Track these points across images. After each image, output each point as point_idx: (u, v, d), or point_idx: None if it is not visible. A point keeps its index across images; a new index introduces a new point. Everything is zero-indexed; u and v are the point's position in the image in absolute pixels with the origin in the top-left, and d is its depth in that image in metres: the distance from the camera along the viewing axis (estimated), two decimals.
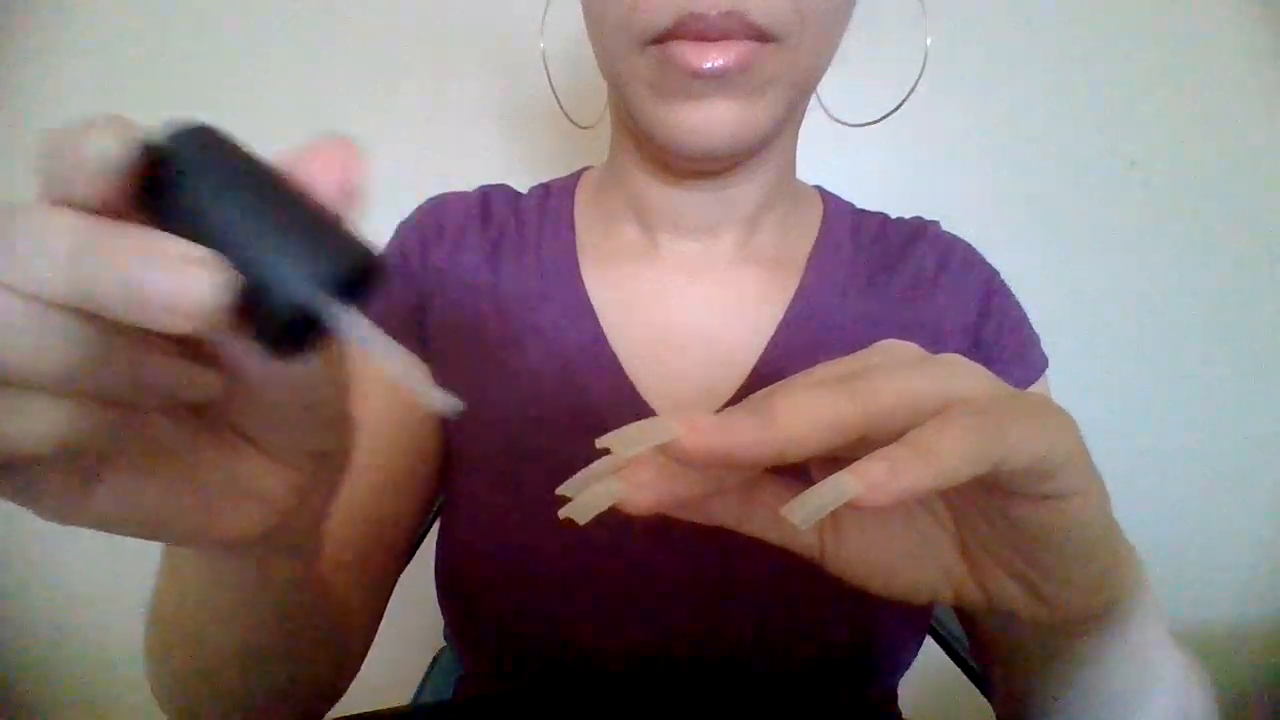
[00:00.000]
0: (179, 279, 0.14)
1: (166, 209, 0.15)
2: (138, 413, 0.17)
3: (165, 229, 0.15)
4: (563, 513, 0.19)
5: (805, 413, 0.17)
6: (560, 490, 0.19)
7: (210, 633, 0.28)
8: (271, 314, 0.15)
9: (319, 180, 0.16)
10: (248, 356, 0.18)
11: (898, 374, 0.18)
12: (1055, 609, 0.22)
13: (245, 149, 0.16)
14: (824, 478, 0.23)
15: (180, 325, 0.14)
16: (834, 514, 0.23)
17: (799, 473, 0.23)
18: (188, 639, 0.29)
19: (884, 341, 0.21)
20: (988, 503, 0.21)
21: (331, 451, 0.22)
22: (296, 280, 0.15)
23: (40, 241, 0.14)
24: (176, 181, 0.15)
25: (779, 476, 0.23)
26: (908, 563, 0.23)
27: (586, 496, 0.18)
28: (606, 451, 0.18)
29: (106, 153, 0.14)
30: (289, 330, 0.15)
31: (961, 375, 0.19)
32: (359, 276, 0.16)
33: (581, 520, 0.18)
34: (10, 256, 0.14)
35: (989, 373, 0.20)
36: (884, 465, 0.16)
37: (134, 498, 0.18)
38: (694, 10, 0.32)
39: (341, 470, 0.23)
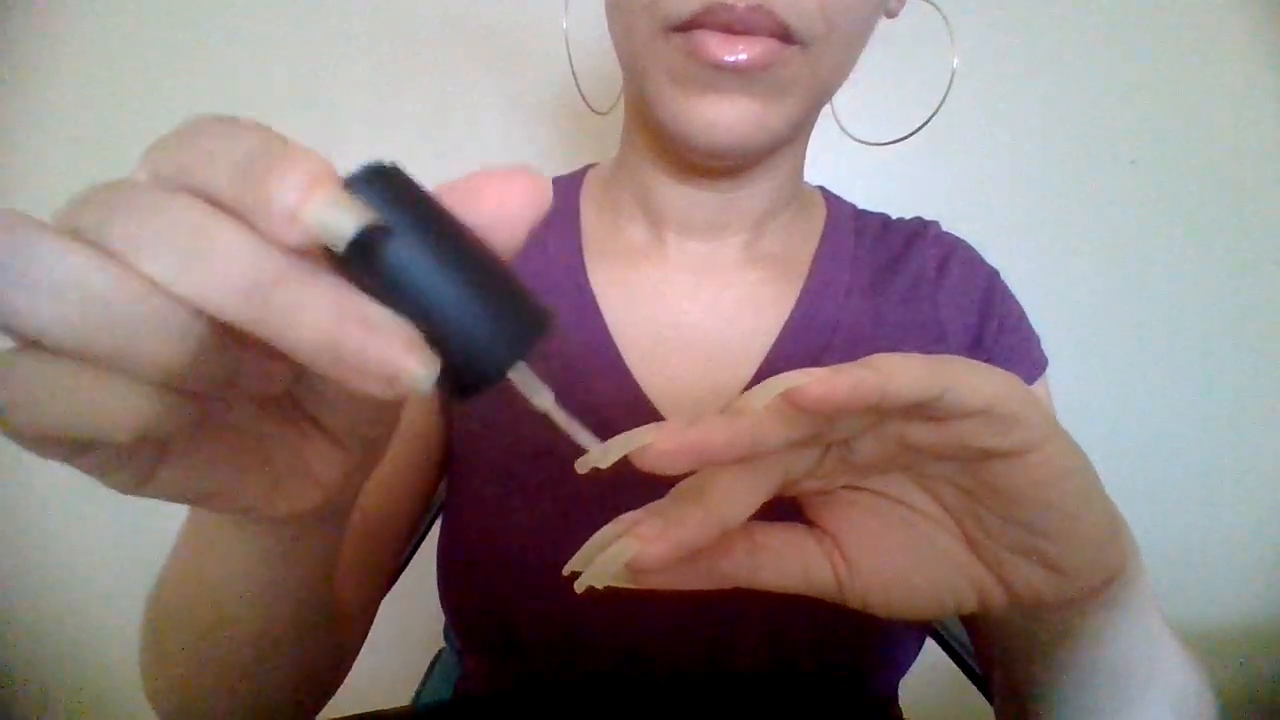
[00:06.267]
0: (390, 355, 0.14)
1: (358, 263, 0.14)
2: (220, 402, 0.17)
3: (348, 276, 0.14)
4: (580, 583, 0.19)
5: (762, 397, 0.18)
6: (569, 568, 0.20)
7: (229, 616, 0.28)
8: (464, 383, 0.15)
9: (493, 217, 0.15)
10: None
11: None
12: (1072, 576, 0.22)
13: (428, 194, 0.15)
14: (821, 515, 0.24)
15: (383, 394, 0.14)
16: (841, 545, 0.23)
17: (795, 516, 0.24)
18: (202, 626, 0.29)
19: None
20: (974, 480, 0.21)
21: (378, 436, 0.23)
22: (494, 357, 0.15)
23: (220, 255, 0.14)
24: (374, 242, 0.14)
25: (779, 522, 0.24)
26: (925, 578, 0.23)
27: (600, 561, 0.19)
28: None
29: (319, 217, 0.13)
30: (473, 391, 0.15)
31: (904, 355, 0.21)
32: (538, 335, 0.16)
33: (600, 584, 0.19)
34: (180, 258, 0.14)
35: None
36: (827, 370, 0.18)
37: (204, 474, 0.18)
38: (722, 0, 0.32)
39: (380, 453, 0.24)
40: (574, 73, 0.48)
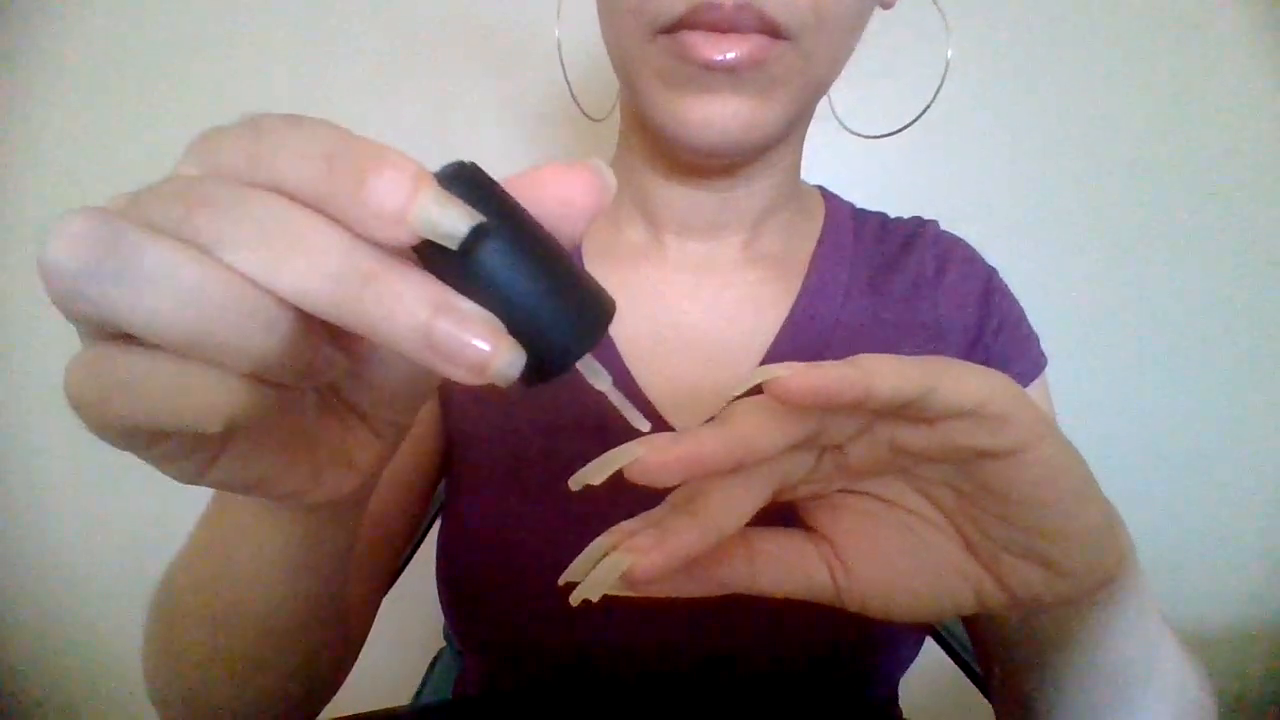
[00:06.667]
0: (481, 346, 0.14)
1: (444, 258, 0.15)
2: (291, 391, 0.17)
3: (428, 269, 0.15)
4: (575, 596, 0.19)
5: (752, 408, 0.19)
6: (564, 578, 0.20)
7: (247, 605, 0.28)
8: (536, 371, 0.16)
9: (557, 211, 0.16)
10: (376, 346, 0.19)
11: None
12: (1070, 575, 0.22)
13: (506, 192, 0.16)
14: (818, 520, 0.24)
15: (467, 380, 0.15)
16: (838, 549, 0.23)
17: (792, 522, 0.24)
18: (219, 616, 0.29)
19: None
20: (969, 482, 0.21)
21: (406, 423, 0.23)
22: (567, 347, 0.16)
23: (312, 250, 0.14)
24: (465, 241, 0.14)
25: (774, 527, 0.24)
26: (923, 580, 0.23)
27: (595, 574, 0.19)
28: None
29: (429, 217, 0.14)
30: (543, 379, 0.16)
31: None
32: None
33: (595, 597, 0.19)
34: (272, 253, 0.14)
35: None
36: (810, 365, 0.18)
37: (259, 462, 0.19)
38: (708, 0, 0.32)
39: (400, 442, 0.24)
40: (567, 80, 0.48)
